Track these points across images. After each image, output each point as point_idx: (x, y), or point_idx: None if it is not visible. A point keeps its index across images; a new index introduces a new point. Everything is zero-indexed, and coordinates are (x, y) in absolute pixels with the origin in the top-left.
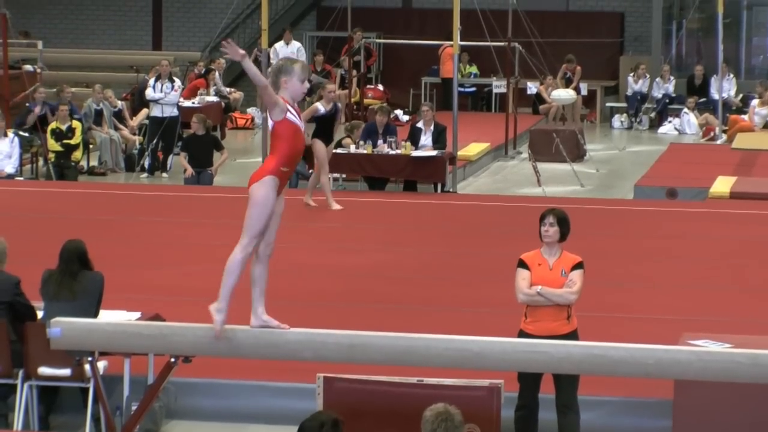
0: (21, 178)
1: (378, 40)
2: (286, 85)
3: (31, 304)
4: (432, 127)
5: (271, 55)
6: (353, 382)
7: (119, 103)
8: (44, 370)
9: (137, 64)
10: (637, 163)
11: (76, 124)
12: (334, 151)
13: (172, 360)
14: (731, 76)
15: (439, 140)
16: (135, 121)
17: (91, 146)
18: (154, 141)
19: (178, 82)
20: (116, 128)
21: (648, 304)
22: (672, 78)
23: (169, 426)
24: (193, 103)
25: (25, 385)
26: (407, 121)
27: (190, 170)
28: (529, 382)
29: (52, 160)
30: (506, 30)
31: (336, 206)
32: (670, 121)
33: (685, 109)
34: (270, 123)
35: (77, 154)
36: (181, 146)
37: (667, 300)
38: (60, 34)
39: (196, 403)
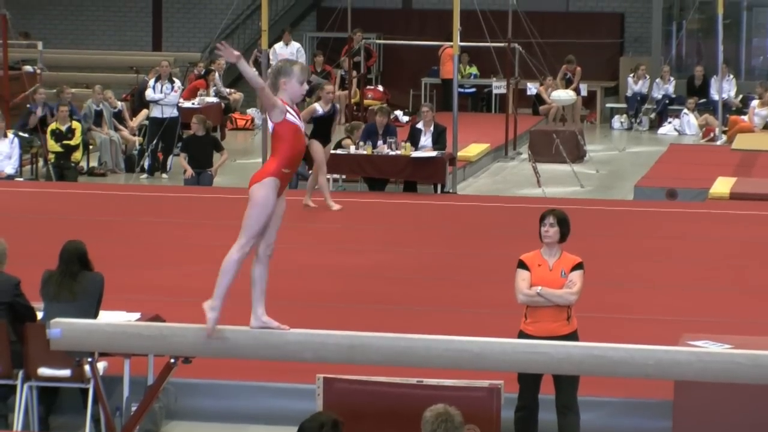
0: (21, 179)
1: (378, 41)
2: (285, 86)
3: (31, 304)
4: (432, 128)
5: (271, 56)
6: (353, 382)
7: (119, 104)
8: (44, 371)
9: (137, 64)
10: (637, 164)
11: (75, 124)
12: (334, 151)
13: (172, 361)
14: (731, 76)
15: (439, 141)
16: (135, 122)
17: (91, 147)
18: (154, 142)
19: (177, 83)
20: (116, 129)
21: (648, 304)
22: (672, 79)
23: (169, 427)
24: (193, 103)
25: (25, 386)
26: (407, 122)
27: (189, 171)
28: (529, 382)
29: (52, 160)
30: (506, 31)
31: (335, 206)
32: (670, 122)
33: (685, 110)
34: (270, 125)
35: (77, 155)
36: (181, 147)
37: (667, 301)
38: (60, 35)
39: (196, 404)
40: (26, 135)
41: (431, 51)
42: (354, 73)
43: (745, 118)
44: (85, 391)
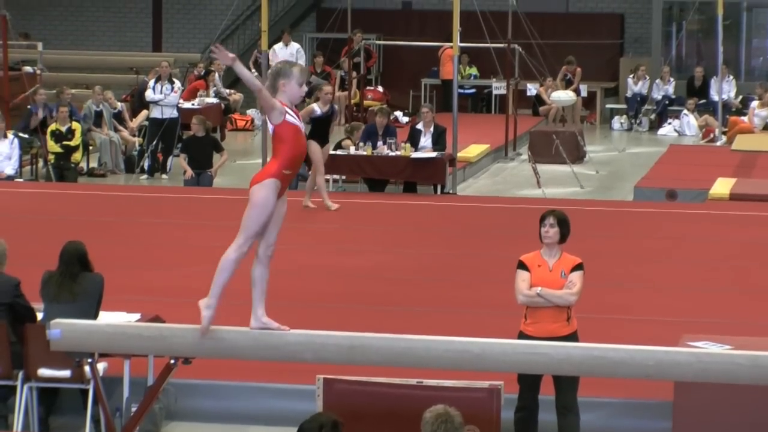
0: (21, 180)
1: (378, 42)
2: (284, 88)
3: (31, 305)
4: (432, 129)
5: (270, 57)
6: (353, 383)
7: (119, 105)
8: (44, 372)
9: (137, 65)
10: (636, 165)
11: (75, 125)
12: (334, 152)
13: (172, 361)
14: (731, 77)
15: (438, 142)
16: (135, 123)
17: (90, 148)
18: (154, 142)
19: (177, 84)
20: (116, 130)
21: (648, 305)
22: (672, 79)
23: (169, 427)
24: (193, 104)
25: (25, 387)
26: (407, 123)
27: (189, 172)
28: (529, 383)
29: (52, 161)
30: (506, 31)
31: (333, 206)
32: (669, 123)
33: (685, 111)
34: (270, 127)
35: (77, 156)
36: (181, 148)
37: (667, 301)
38: (60, 36)
39: (196, 405)
40: (26, 136)
41: (431, 52)
42: (354, 73)
43: (745, 118)
44: (85, 392)
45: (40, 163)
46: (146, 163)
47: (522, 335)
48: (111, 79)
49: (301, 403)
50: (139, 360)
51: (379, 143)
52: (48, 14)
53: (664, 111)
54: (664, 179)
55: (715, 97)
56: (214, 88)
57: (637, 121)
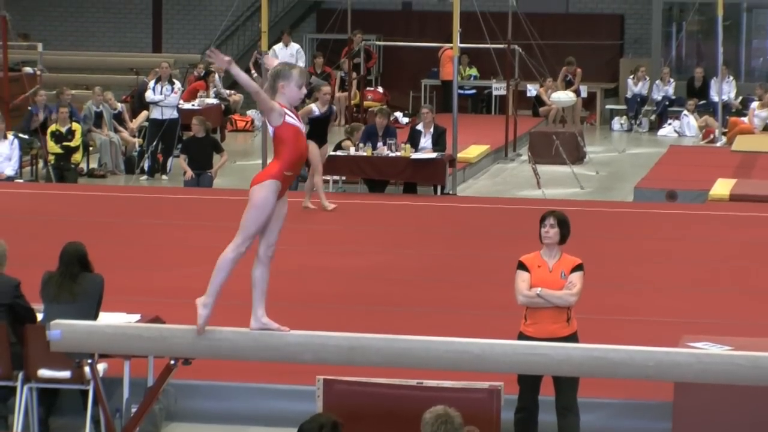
0: (21, 181)
1: (378, 43)
2: (283, 90)
3: (31, 306)
4: (432, 130)
5: (266, 61)
6: (353, 384)
7: (119, 106)
8: (44, 373)
9: (137, 66)
10: (636, 166)
11: (75, 126)
12: (334, 153)
13: (172, 362)
14: (731, 78)
15: (438, 142)
16: (135, 124)
17: (90, 148)
18: (154, 143)
19: (177, 85)
20: (116, 130)
21: (648, 306)
22: (672, 80)
23: (169, 428)
24: (193, 105)
25: (25, 388)
26: (407, 124)
27: (189, 172)
28: (529, 384)
29: (52, 162)
30: (506, 32)
31: (330, 206)
32: (669, 124)
33: (685, 112)
34: (270, 129)
35: (77, 157)
36: (181, 148)
37: (667, 302)
38: (60, 37)
39: (196, 406)
40: (26, 136)
41: (431, 52)
42: (354, 74)
43: (745, 119)
44: (85, 393)
45: (40, 164)
46: (146, 164)
47: (522, 336)
48: (111, 80)
49: (301, 404)
50: (139, 361)
51: (379, 144)
52: (48, 15)
53: (664, 112)
54: (664, 180)
55: (715, 98)
56: (214, 89)
57: (637, 122)
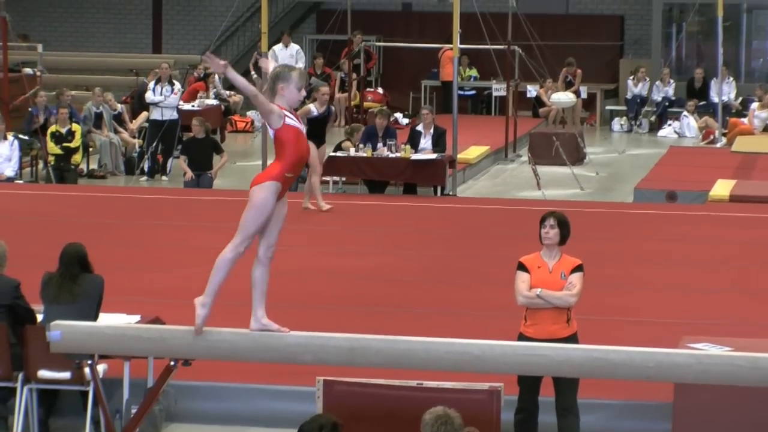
0: (21, 181)
1: (378, 43)
2: (283, 92)
3: (31, 307)
4: (432, 130)
5: (270, 58)
6: (353, 385)
7: (119, 106)
8: (44, 373)
9: (137, 67)
10: (636, 166)
11: (75, 127)
12: (334, 154)
13: (172, 363)
14: (731, 79)
15: (438, 143)
16: (135, 124)
17: (90, 149)
18: (154, 144)
19: (177, 85)
20: (116, 131)
21: (648, 307)
22: (672, 81)
23: (169, 429)
24: (193, 106)
25: (25, 388)
26: (407, 124)
27: (189, 173)
28: (529, 385)
29: (52, 163)
30: (506, 33)
31: (326, 206)
32: (669, 124)
33: (685, 112)
34: (270, 132)
35: (77, 157)
36: (181, 149)
37: (667, 303)
38: (60, 38)
39: (196, 406)
40: (26, 137)
41: (431, 53)
42: (354, 75)
43: (745, 120)
44: (85, 394)
45: (40, 165)
46: (146, 165)
47: (522, 337)
48: (111, 81)
49: (301, 405)
50: (139, 361)
51: (379, 145)
52: (48, 16)
53: (664, 112)
54: (664, 181)
55: (715, 99)
56: (214, 90)
57: (637, 123)
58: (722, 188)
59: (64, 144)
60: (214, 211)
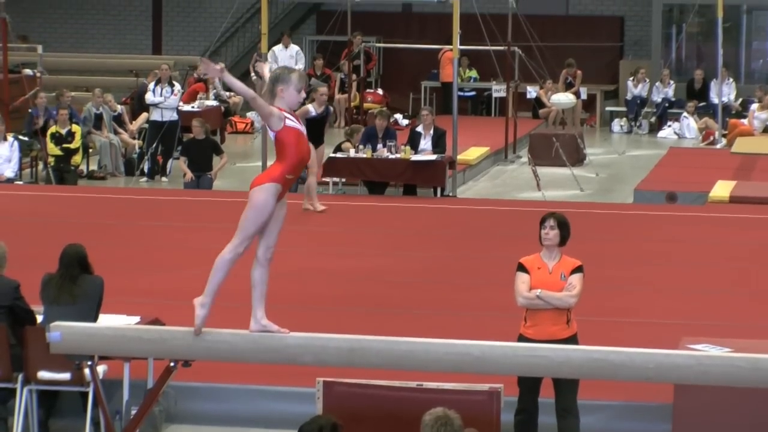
0: (21, 182)
1: (378, 44)
2: (282, 94)
3: (31, 308)
4: (432, 131)
5: (269, 59)
6: (353, 386)
7: (119, 107)
8: (44, 375)
9: (137, 68)
10: (636, 168)
11: (75, 128)
12: (334, 155)
13: (172, 364)
14: (731, 80)
15: (438, 144)
16: (135, 125)
17: (90, 150)
18: (154, 145)
19: (177, 87)
20: (116, 132)
21: (648, 308)
22: (672, 82)
23: (169, 430)
24: (193, 107)
25: (25, 390)
26: (407, 126)
27: (189, 174)
28: (529, 386)
29: (52, 164)
30: (506, 34)
31: (320, 207)
32: (669, 126)
33: (685, 114)
34: (271, 134)
35: (77, 159)
36: (181, 150)
37: (667, 304)
38: (60, 39)
39: (196, 407)
40: (26, 138)
41: (431, 54)
42: (354, 76)
43: (745, 121)
44: (85, 395)
45: (40, 166)
46: (146, 166)
47: (522, 338)
48: (111, 82)
49: (301, 406)
50: (138, 363)
51: (379, 146)
52: (48, 17)
53: (664, 114)
54: (664, 182)
55: (715, 100)
56: (214, 91)
57: (637, 124)
58: (722, 189)
59: (64, 145)
60: (213, 212)
